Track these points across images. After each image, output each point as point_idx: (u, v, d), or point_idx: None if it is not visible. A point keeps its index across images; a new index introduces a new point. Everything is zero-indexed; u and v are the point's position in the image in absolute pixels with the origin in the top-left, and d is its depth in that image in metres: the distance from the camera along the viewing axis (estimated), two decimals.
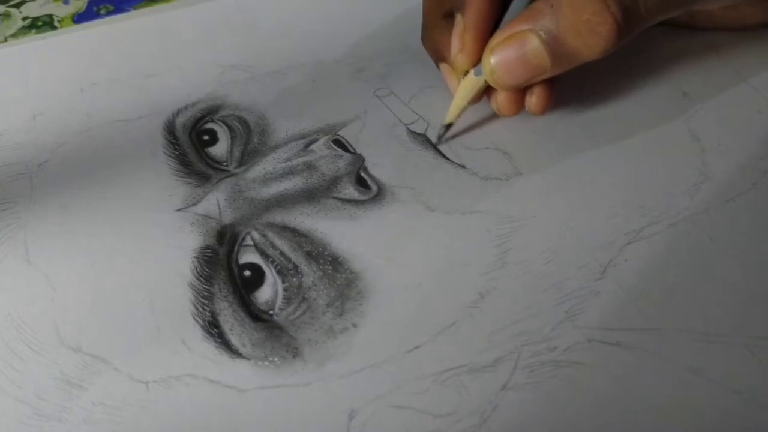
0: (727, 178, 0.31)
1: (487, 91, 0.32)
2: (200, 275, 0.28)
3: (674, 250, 0.29)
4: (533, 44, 0.29)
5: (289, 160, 0.33)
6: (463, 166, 0.32)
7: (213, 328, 0.27)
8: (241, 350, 0.26)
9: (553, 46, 0.29)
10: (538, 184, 0.31)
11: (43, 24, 0.42)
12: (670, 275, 0.28)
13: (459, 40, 0.31)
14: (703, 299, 0.27)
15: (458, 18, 0.31)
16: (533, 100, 0.32)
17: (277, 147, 0.33)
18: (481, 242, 0.29)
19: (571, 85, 0.35)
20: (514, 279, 0.28)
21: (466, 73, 0.32)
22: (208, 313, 0.27)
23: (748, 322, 0.26)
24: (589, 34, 0.28)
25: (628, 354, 0.26)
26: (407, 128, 0.34)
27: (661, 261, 0.28)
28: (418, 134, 0.34)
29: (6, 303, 0.28)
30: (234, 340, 0.27)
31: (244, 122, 0.34)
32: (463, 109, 0.32)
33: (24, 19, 0.43)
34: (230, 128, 0.34)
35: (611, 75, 0.36)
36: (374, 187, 0.31)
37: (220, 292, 0.28)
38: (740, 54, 0.36)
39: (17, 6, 0.43)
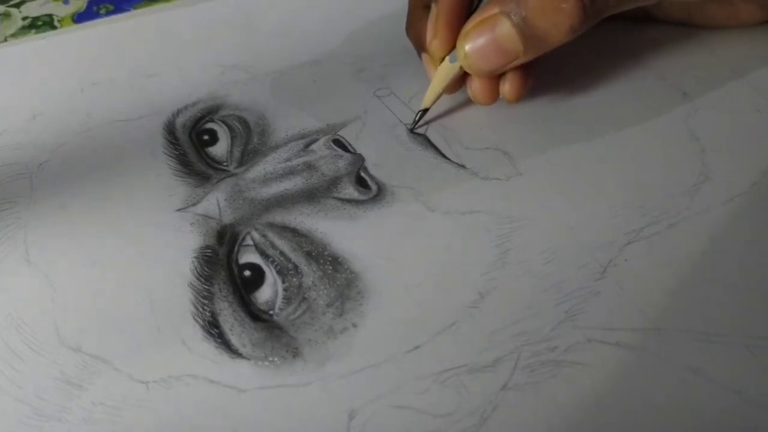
0: (727, 178, 0.31)
1: (464, 79, 0.33)
2: (200, 275, 0.28)
3: (674, 250, 0.28)
4: (504, 27, 0.29)
5: (289, 160, 0.33)
6: (463, 166, 0.32)
7: (213, 328, 0.27)
8: (241, 350, 0.26)
9: (523, 28, 0.29)
10: (538, 184, 0.31)
11: (43, 24, 0.42)
12: (670, 275, 0.28)
13: (433, 27, 0.32)
14: (703, 299, 0.27)
15: (433, 6, 0.32)
16: (507, 87, 0.32)
17: (277, 147, 0.33)
18: (481, 242, 0.29)
19: (570, 85, 0.35)
20: (514, 279, 0.28)
21: (442, 60, 0.32)
22: (208, 313, 0.27)
23: (748, 322, 0.26)
24: (555, 12, 0.29)
25: (628, 354, 0.26)
26: (407, 128, 0.34)
27: (661, 261, 0.28)
28: (418, 134, 0.34)
29: (6, 303, 0.28)
30: (234, 340, 0.27)
31: (244, 122, 0.34)
32: (439, 96, 0.33)
33: (24, 18, 0.43)
34: (230, 128, 0.34)
35: (610, 75, 0.36)
36: (374, 187, 0.31)
37: (220, 292, 0.28)
38: (739, 53, 0.36)
39: (17, 6, 0.43)
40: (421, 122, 0.34)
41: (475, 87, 0.32)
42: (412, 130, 0.34)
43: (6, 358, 0.27)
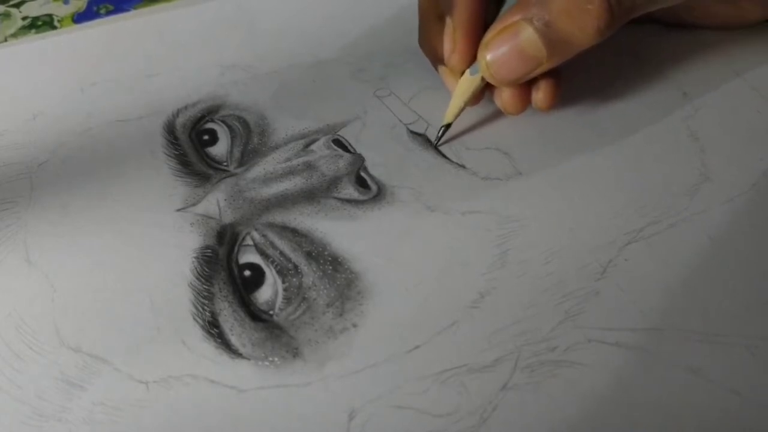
0: (727, 178, 0.31)
1: (491, 90, 0.32)
2: (200, 275, 0.28)
3: (674, 250, 0.29)
4: (527, 33, 0.29)
5: (289, 160, 0.33)
6: (463, 166, 0.32)
7: (213, 328, 0.27)
8: (241, 350, 0.26)
9: (547, 33, 0.28)
10: (538, 184, 0.31)
11: (42, 24, 0.42)
12: (670, 275, 0.28)
13: (450, 40, 0.31)
14: (703, 299, 0.27)
15: (447, 19, 0.31)
16: (540, 95, 0.31)
17: (277, 147, 0.33)
18: (481, 242, 0.29)
19: (571, 85, 0.35)
20: (514, 279, 0.28)
21: (463, 73, 0.32)
22: (208, 313, 0.27)
23: (748, 322, 0.26)
24: (581, 14, 0.28)
25: (628, 354, 0.26)
26: (407, 128, 0.34)
27: (661, 261, 0.28)
28: (418, 134, 0.34)
29: (6, 303, 0.28)
30: (234, 340, 0.27)
31: (244, 122, 0.34)
32: (461, 110, 0.32)
33: (24, 18, 0.43)
34: (230, 128, 0.34)
35: (611, 75, 0.36)
36: (374, 187, 0.31)
37: (220, 292, 0.28)
38: (740, 53, 0.36)
39: (17, 6, 0.43)
40: (444, 138, 0.33)
41: (506, 97, 0.31)
42: (436, 146, 0.33)
43: (6, 358, 0.27)
